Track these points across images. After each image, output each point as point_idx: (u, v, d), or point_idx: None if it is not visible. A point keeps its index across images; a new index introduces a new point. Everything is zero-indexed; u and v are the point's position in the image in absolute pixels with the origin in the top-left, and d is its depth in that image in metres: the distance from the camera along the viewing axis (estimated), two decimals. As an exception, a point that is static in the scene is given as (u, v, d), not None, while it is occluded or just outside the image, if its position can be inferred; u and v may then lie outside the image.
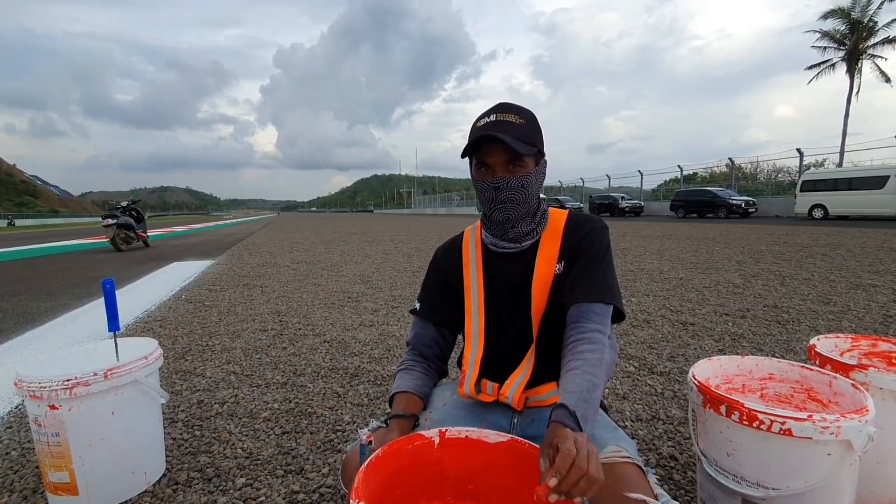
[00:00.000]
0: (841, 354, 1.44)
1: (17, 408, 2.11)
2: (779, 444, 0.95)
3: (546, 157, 1.17)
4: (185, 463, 1.58)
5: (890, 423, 1.15)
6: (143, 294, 4.93)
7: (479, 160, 1.10)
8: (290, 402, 2.07)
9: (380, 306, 4.03)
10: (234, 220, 41.31)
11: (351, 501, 0.68)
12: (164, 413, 1.96)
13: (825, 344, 1.41)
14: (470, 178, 1.19)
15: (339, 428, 1.82)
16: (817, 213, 16.86)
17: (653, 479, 0.93)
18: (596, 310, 1.07)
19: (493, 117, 1.09)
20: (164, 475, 1.50)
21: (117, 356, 1.35)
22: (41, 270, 7.34)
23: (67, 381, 1.23)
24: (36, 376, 1.24)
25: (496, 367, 1.20)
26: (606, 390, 2.14)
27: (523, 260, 1.18)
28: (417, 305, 1.30)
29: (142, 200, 11.77)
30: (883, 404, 1.15)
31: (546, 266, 1.15)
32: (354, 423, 1.86)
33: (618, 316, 1.12)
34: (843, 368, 1.21)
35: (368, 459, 0.80)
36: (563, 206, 29.59)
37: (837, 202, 16.34)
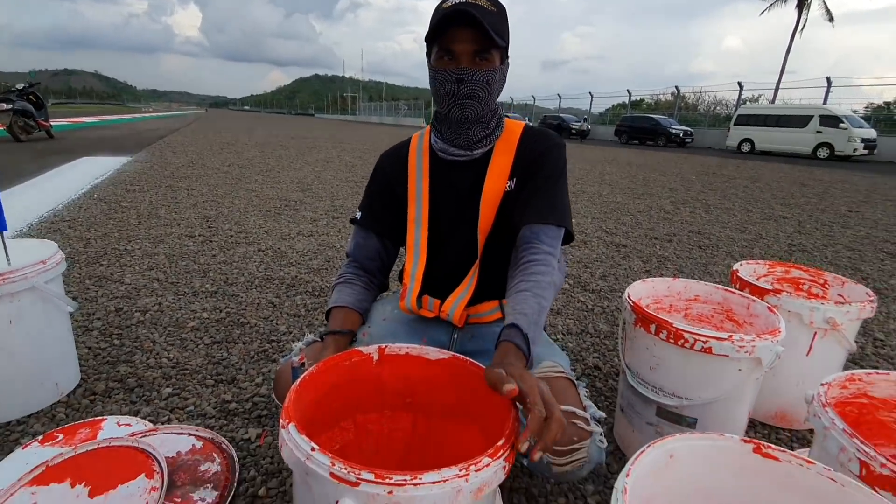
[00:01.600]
0: (758, 279, 1.56)
1: None
2: (698, 359, 1.01)
3: (509, 59, 1.06)
4: (102, 373, 1.48)
5: (791, 341, 1.27)
6: (48, 191, 4.39)
7: (444, 46, 0.96)
8: (221, 311, 1.97)
9: (319, 216, 3.87)
10: (154, 114, 37.05)
11: (281, 421, 0.64)
12: (76, 321, 1.81)
13: (746, 269, 1.51)
14: (424, 86, 1.06)
15: (273, 338, 1.77)
16: (745, 147, 17.86)
17: (583, 391, 0.97)
18: (548, 231, 1.03)
19: None
20: (79, 385, 1.40)
21: (8, 260, 1.17)
22: (-87, 157, 6.27)
23: (-57, 286, 1.06)
24: None
25: (438, 282, 1.16)
26: (541, 306, 2.23)
27: (473, 170, 1.10)
28: (358, 214, 1.21)
29: (40, 83, 10.14)
30: (789, 325, 1.26)
31: (497, 180, 1.08)
32: (290, 333, 1.82)
33: (567, 237, 1.10)
34: (760, 292, 1.30)
35: (302, 376, 0.75)
36: (512, 124, 29.34)
37: (764, 138, 17.32)
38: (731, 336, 0.97)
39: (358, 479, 0.54)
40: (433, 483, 0.54)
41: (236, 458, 1.12)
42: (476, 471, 0.57)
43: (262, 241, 3.05)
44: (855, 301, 1.23)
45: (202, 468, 1.08)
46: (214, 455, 1.12)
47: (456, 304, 1.12)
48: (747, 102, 23.40)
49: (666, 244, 3.57)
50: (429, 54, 1.00)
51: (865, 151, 15.09)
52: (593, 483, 1.13)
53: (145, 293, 2.12)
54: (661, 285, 1.31)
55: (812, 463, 0.59)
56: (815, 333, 1.24)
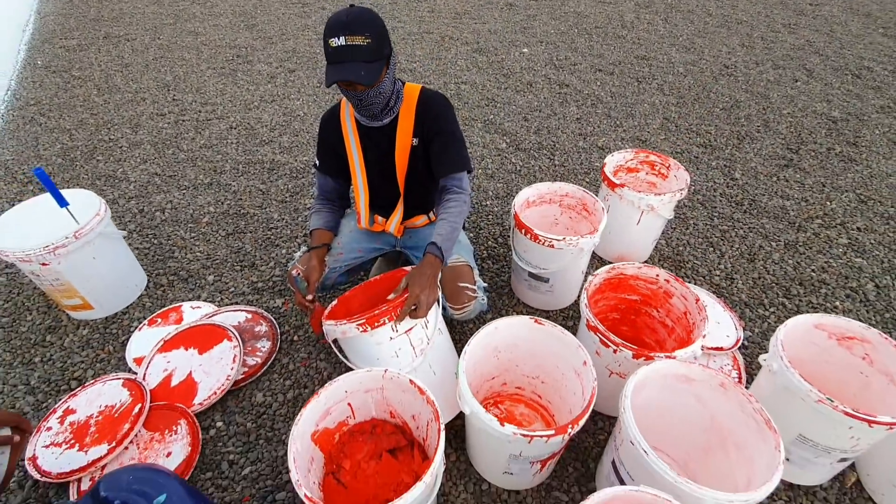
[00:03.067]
0: (626, 162, 2.08)
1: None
2: (548, 250, 1.64)
3: (394, 52, 1.37)
4: (159, 269, 2.09)
5: (627, 216, 1.89)
6: (-19, 56, 4.20)
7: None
8: (223, 203, 2.48)
9: (276, 70, 3.92)
10: None
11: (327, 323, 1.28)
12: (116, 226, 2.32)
13: (614, 159, 2.03)
14: None
15: (272, 226, 2.34)
16: None
17: (476, 273, 1.62)
18: (458, 177, 1.54)
19: (342, 40, 1.24)
20: (149, 281, 2.03)
21: (77, 221, 1.63)
22: None
23: (47, 246, 1.57)
24: (18, 247, 1.56)
25: (380, 206, 1.70)
26: (479, 171, 2.74)
27: (386, 133, 1.53)
28: (317, 162, 1.66)
29: None
30: (624, 204, 1.86)
31: (404, 140, 1.52)
32: (283, 219, 2.37)
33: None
34: (612, 185, 1.86)
35: (329, 307, 1.38)
36: None
37: None
38: (564, 238, 1.58)
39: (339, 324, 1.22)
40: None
41: (274, 321, 1.84)
42: (376, 323, 1.23)
43: (230, 114, 3.29)
44: (670, 191, 1.81)
45: (256, 329, 1.79)
46: (261, 321, 1.82)
47: (393, 224, 1.68)
48: None
49: (607, 77, 3.84)
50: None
51: None
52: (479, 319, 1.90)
53: (153, 190, 2.57)
54: (543, 187, 1.85)
55: (556, 326, 1.28)
56: (642, 212, 1.85)
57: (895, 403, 1.24)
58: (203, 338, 1.70)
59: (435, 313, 1.36)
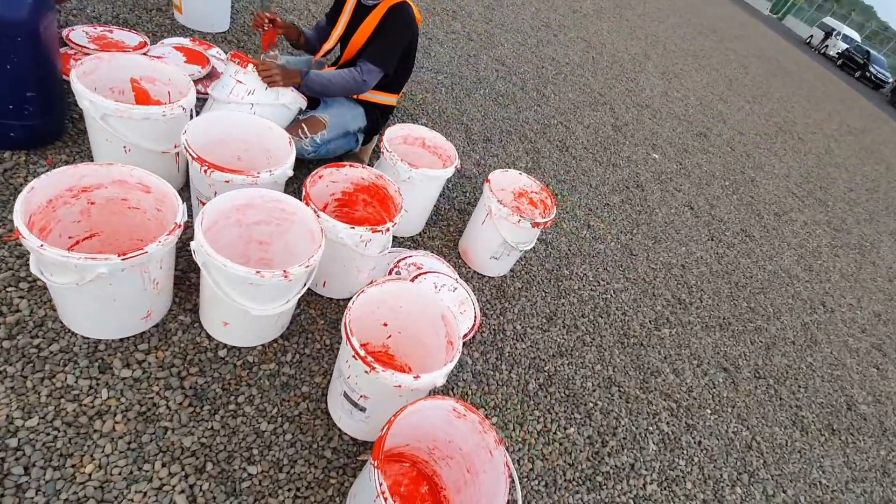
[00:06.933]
0: (530, 191, 2.89)
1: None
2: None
3: None
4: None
5: (480, 212, 2.77)
6: None
7: None
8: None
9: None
10: None
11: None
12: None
13: (506, 181, 2.91)
14: None
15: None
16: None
17: (324, 131, 2.28)
18: (367, 64, 2.21)
19: None
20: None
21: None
22: None
23: None
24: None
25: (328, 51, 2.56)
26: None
27: (367, 11, 2.25)
28: (328, 11, 2.60)
29: None
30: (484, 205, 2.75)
31: (369, 24, 2.25)
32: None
33: (384, 73, 2.29)
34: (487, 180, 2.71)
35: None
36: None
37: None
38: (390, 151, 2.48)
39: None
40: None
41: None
42: (235, 60, 2.09)
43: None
44: (507, 207, 2.55)
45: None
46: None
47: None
48: None
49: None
50: None
51: None
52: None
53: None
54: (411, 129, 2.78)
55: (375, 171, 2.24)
56: (486, 213, 2.66)
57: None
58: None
59: (267, 95, 2.06)
